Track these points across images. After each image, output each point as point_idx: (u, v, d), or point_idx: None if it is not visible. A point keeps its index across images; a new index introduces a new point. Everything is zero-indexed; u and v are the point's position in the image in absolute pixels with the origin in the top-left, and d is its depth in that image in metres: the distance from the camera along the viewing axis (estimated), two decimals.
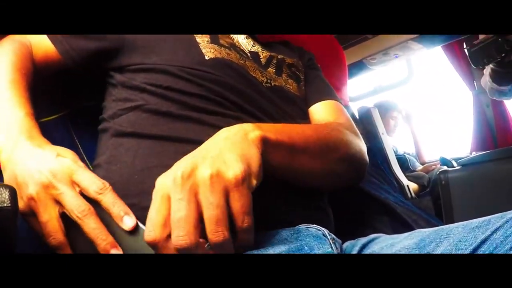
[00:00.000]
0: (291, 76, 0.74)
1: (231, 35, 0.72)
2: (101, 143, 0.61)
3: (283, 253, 0.44)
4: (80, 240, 0.45)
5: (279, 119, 0.62)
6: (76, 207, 0.44)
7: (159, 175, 0.42)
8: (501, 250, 0.39)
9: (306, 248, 0.46)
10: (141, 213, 0.44)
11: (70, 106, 0.73)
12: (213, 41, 0.65)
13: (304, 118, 0.71)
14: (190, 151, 0.44)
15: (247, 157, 0.42)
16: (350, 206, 0.89)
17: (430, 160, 2.43)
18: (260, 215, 0.50)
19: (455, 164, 1.21)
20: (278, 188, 0.53)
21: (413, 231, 0.52)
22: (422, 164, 2.40)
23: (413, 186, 1.75)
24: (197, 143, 0.46)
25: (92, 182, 0.45)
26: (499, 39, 0.95)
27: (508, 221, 0.41)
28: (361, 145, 0.66)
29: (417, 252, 0.47)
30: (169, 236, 0.38)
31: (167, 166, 0.42)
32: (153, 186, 0.41)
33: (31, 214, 0.45)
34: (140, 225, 0.44)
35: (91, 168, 0.61)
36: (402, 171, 1.63)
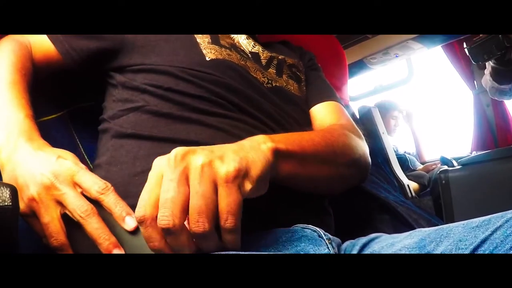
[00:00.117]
0: (292, 77, 0.74)
1: (232, 36, 0.72)
2: (101, 144, 0.61)
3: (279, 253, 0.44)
4: (81, 241, 0.45)
5: (280, 120, 0.62)
6: (79, 206, 0.44)
7: None
8: (501, 250, 0.39)
9: (301, 253, 0.46)
10: None
11: (71, 105, 0.73)
12: (214, 41, 0.65)
13: (305, 118, 0.71)
14: None
15: (249, 161, 0.41)
16: (351, 205, 0.89)
17: (431, 159, 2.43)
18: (258, 214, 0.50)
19: (455, 163, 1.21)
20: (278, 188, 0.53)
21: (414, 231, 0.52)
22: (423, 163, 2.40)
23: (413, 185, 1.75)
24: (198, 144, 0.46)
25: (94, 183, 0.45)
26: (499, 36, 0.95)
27: (508, 221, 0.41)
28: (365, 147, 0.66)
29: (417, 251, 0.47)
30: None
31: None
32: None
33: (32, 215, 0.45)
34: None
35: (92, 168, 0.61)
36: (403, 171, 1.63)
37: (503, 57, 1.01)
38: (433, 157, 2.46)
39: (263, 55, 0.73)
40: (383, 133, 1.54)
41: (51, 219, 0.44)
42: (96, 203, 0.45)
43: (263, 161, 0.43)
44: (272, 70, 0.71)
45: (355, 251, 0.55)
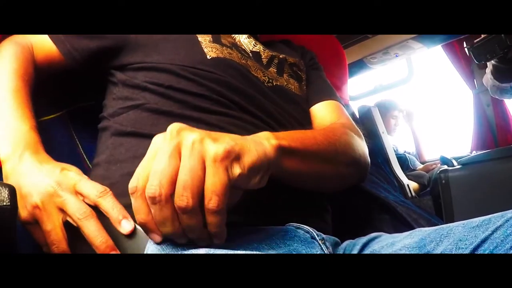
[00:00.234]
0: (293, 76, 0.74)
1: (233, 35, 0.72)
2: (100, 142, 0.61)
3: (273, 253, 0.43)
4: (82, 249, 0.45)
5: (280, 119, 0.62)
6: (78, 209, 0.44)
7: None
8: (501, 249, 0.39)
9: (293, 252, 0.46)
10: None
11: (70, 104, 0.73)
12: (215, 40, 0.65)
13: (306, 117, 0.71)
14: None
15: (244, 148, 0.41)
16: (351, 205, 0.89)
17: (431, 159, 2.43)
18: (255, 208, 0.50)
19: (455, 163, 1.21)
20: (276, 184, 0.52)
21: (414, 230, 0.52)
22: (423, 163, 2.40)
23: (413, 185, 1.75)
24: None
25: (93, 188, 0.46)
26: (502, 35, 0.95)
27: (508, 220, 0.41)
28: (364, 147, 0.67)
29: (417, 251, 0.47)
30: None
31: None
32: None
33: (34, 223, 0.46)
34: (138, 229, 0.44)
35: (91, 167, 0.61)
36: (403, 170, 1.63)
37: (505, 56, 1.01)
38: (433, 156, 2.46)
39: (264, 54, 0.73)
40: (383, 132, 1.54)
41: (53, 227, 0.45)
42: (97, 210, 0.45)
43: (260, 153, 0.42)
44: (273, 69, 0.71)
45: (355, 251, 0.55)
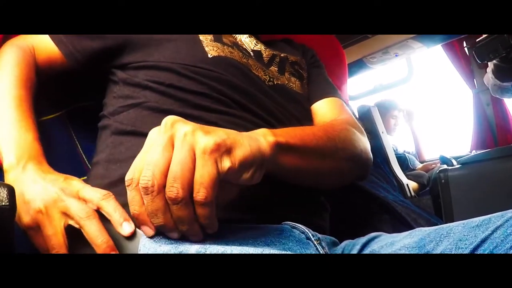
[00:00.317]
0: (294, 74, 0.74)
1: (234, 34, 0.72)
2: (100, 140, 0.61)
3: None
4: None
5: (281, 117, 0.62)
6: (80, 209, 0.45)
7: None
8: (501, 249, 0.39)
9: (288, 252, 0.46)
10: None
11: (69, 105, 0.73)
12: (216, 39, 0.65)
13: (307, 116, 0.71)
14: None
15: (236, 142, 0.40)
16: (350, 205, 0.89)
17: (430, 158, 2.43)
18: (252, 206, 0.50)
19: (455, 162, 1.21)
20: (273, 180, 0.52)
21: (413, 230, 0.52)
22: (422, 163, 2.40)
23: (412, 185, 1.75)
24: None
25: (96, 191, 0.47)
26: (505, 34, 0.95)
27: (508, 220, 0.41)
28: (366, 143, 0.66)
29: (417, 251, 0.47)
30: None
31: None
32: None
33: (36, 229, 0.46)
34: (139, 232, 0.44)
35: (90, 167, 0.61)
36: (402, 170, 1.63)
37: (507, 55, 1.01)
38: (432, 156, 2.46)
39: (265, 53, 0.73)
40: (382, 132, 1.54)
41: (54, 232, 0.45)
42: (99, 214, 0.46)
43: (254, 148, 0.42)
44: (274, 68, 0.71)
45: (355, 251, 0.55)
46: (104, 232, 0.44)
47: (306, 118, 0.70)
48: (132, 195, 0.39)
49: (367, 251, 0.54)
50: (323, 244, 0.53)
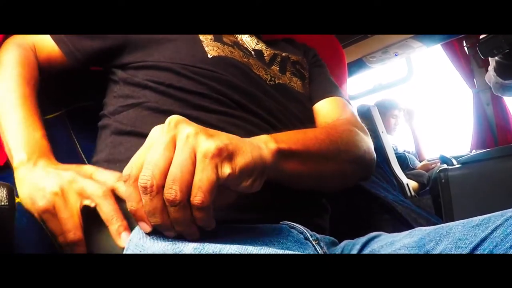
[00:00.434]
0: (296, 74, 0.74)
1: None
2: (100, 140, 0.61)
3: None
4: (96, 238, 0.47)
5: (282, 117, 0.62)
6: (97, 189, 0.47)
7: None
8: (501, 248, 0.39)
9: (287, 251, 0.46)
10: None
11: (69, 104, 0.73)
12: (217, 39, 0.64)
13: (308, 115, 0.71)
14: None
15: (239, 149, 0.40)
16: (350, 204, 0.89)
17: (430, 158, 2.43)
18: (250, 206, 0.50)
19: (455, 162, 1.21)
20: (273, 182, 0.52)
21: (413, 229, 0.52)
22: (422, 162, 2.40)
23: (412, 184, 1.75)
24: None
25: (110, 174, 0.49)
26: (505, 34, 0.95)
27: (508, 219, 0.41)
28: (369, 143, 0.66)
29: (416, 250, 0.47)
30: None
31: None
32: None
33: (52, 211, 0.46)
34: None
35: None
36: (402, 170, 1.63)
37: (511, 52, 1.00)
38: (432, 155, 2.46)
39: (266, 52, 0.73)
40: (382, 132, 1.54)
41: (70, 214, 0.46)
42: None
43: (256, 156, 0.42)
44: (275, 67, 0.71)
45: (355, 251, 0.55)
46: (118, 212, 0.45)
47: (308, 118, 0.70)
48: (129, 191, 0.39)
49: (367, 250, 0.54)
50: (322, 244, 0.53)
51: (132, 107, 0.59)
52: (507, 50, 0.99)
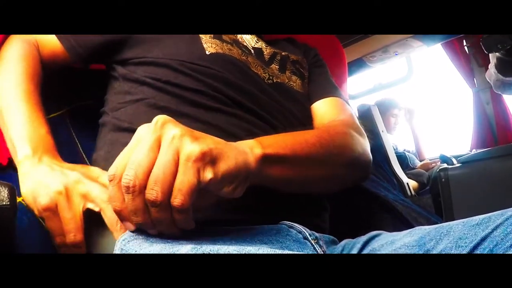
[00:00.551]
0: (295, 73, 0.74)
1: None
2: (100, 137, 0.62)
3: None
4: (96, 241, 0.47)
5: (279, 116, 0.62)
6: (102, 193, 0.46)
7: None
8: (501, 248, 0.39)
9: (286, 250, 0.46)
10: None
11: (71, 103, 0.73)
12: (216, 36, 0.65)
13: (306, 115, 0.70)
14: None
15: (223, 154, 0.40)
16: (350, 204, 0.89)
17: (431, 157, 2.43)
18: (249, 206, 0.50)
19: (455, 161, 1.21)
20: None
21: (413, 229, 0.52)
22: (422, 161, 2.40)
23: (413, 183, 1.75)
24: None
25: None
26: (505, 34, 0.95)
27: (508, 219, 0.41)
28: (365, 145, 0.65)
29: (417, 249, 0.47)
30: None
31: None
32: None
33: (54, 210, 0.46)
34: None
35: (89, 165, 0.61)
36: (402, 169, 1.63)
37: None
38: (432, 155, 2.46)
39: (266, 51, 0.73)
40: (382, 131, 1.55)
41: (73, 215, 0.46)
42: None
43: (239, 162, 0.41)
44: (274, 66, 0.71)
45: (355, 250, 0.55)
46: None
47: (306, 117, 0.70)
48: (113, 191, 0.39)
49: (367, 249, 0.54)
50: (321, 243, 0.53)
51: (130, 104, 0.59)
52: (510, 46, 0.98)
